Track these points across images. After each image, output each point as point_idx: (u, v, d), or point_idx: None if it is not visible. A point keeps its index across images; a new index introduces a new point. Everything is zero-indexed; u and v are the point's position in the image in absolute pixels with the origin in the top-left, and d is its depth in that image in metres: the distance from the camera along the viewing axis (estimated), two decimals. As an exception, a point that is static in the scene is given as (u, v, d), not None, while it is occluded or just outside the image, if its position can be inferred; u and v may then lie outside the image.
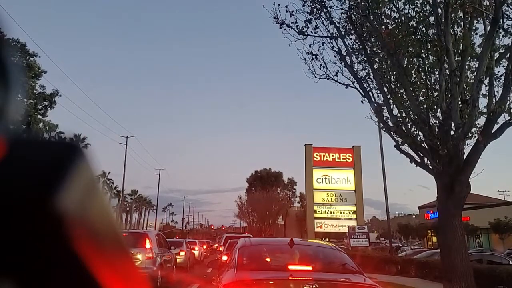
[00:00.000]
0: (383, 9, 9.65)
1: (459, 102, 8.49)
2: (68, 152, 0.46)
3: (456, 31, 9.03)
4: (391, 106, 9.89)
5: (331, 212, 36.22)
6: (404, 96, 9.61)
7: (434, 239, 41.35)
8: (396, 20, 9.54)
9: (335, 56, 10.43)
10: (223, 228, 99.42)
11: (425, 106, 9.32)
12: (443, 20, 8.41)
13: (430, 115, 9.26)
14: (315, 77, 10.51)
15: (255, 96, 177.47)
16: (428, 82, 9.60)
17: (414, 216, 67.25)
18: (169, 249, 14.00)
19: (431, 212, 41.51)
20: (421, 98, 9.54)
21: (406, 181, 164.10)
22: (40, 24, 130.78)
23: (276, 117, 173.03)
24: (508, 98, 8.47)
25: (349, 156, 37.18)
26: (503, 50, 8.94)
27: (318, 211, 36.26)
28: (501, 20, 8.25)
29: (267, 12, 10.42)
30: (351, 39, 10.51)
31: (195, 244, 25.61)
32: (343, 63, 10.28)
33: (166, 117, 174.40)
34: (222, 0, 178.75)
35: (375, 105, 10.11)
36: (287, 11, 10.15)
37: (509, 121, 8.47)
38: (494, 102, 8.61)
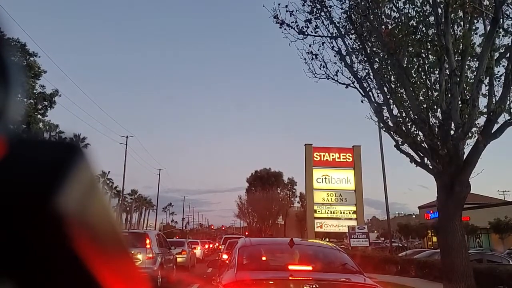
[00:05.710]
0: (383, 9, 9.66)
1: (459, 102, 8.49)
2: (68, 152, 0.46)
3: (456, 31, 9.03)
4: (391, 106, 9.89)
5: (331, 212, 36.17)
6: (404, 96, 9.61)
7: (434, 239, 41.30)
8: (396, 20, 9.55)
9: (335, 56, 10.46)
10: (223, 228, 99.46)
11: (425, 106, 9.33)
12: (443, 20, 8.40)
13: (430, 115, 9.26)
14: (315, 76, 10.54)
15: (255, 96, 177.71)
16: (428, 82, 9.59)
17: (414, 216, 67.16)
18: (169, 249, 14.01)
19: (431, 212, 41.47)
20: (421, 98, 9.54)
21: (406, 181, 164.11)
22: (40, 24, 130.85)
23: (276, 117, 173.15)
24: (508, 98, 8.46)
25: (349, 156, 37.12)
26: (503, 50, 8.94)
27: (318, 211, 36.22)
28: (501, 20, 8.25)
29: (267, 12, 10.44)
30: (351, 39, 10.53)
31: (197, 244, 26.13)
32: (343, 63, 10.29)
33: (166, 117, 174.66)
34: (222, 2, 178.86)
35: (375, 105, 10.12)
36: (287, 11, 10.17)
37: (509, 121, 8.46)
38: (494, 102, 8.61)
